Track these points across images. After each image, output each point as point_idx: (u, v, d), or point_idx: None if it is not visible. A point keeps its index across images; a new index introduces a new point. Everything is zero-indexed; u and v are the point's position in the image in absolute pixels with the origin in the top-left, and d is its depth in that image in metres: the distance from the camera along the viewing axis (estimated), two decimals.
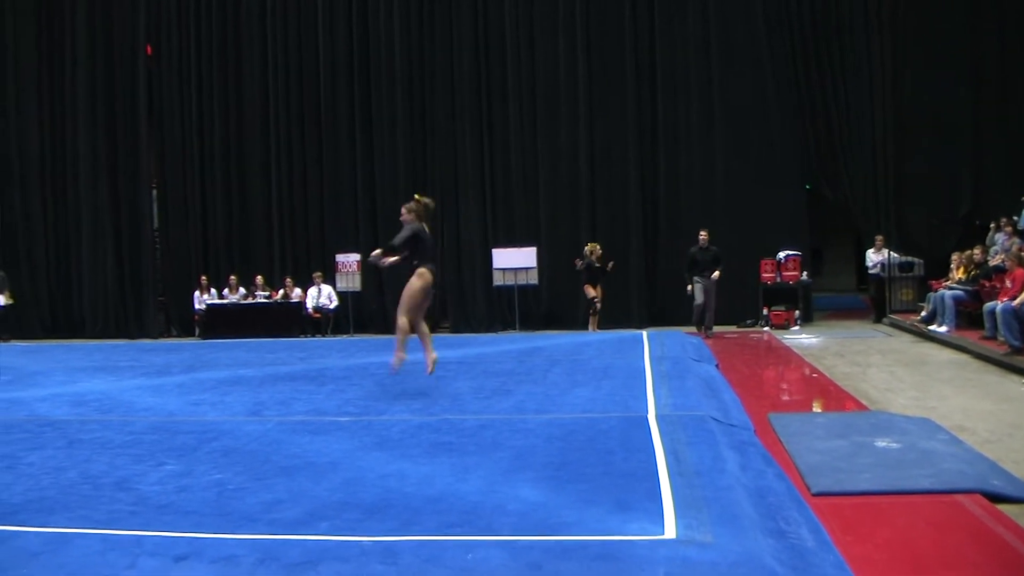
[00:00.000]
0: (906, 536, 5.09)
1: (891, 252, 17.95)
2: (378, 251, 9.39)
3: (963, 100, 18.03)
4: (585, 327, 18.10)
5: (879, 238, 18.16)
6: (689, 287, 16.56)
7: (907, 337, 15.35)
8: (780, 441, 7.25)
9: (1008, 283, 12.20)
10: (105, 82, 20.84)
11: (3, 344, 18.17)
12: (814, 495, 5.74)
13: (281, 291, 19.58)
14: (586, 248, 17.53)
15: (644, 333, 15.39)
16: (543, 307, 19.37)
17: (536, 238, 19.14)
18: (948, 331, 14.02)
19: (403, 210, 9.32)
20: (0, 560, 4.51)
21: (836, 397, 9.81)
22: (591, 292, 17.37)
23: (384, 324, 19.21)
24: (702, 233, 16.51)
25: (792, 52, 18.52)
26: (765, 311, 17.83)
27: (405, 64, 19.89)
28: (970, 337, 13.07)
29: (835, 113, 18.50)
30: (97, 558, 4.46)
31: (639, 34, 19.15)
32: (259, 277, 19.72)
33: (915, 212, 18.41)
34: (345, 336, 18.92)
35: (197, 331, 19.90)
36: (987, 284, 13.86)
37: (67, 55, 20.98)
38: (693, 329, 16.45)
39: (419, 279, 9.15)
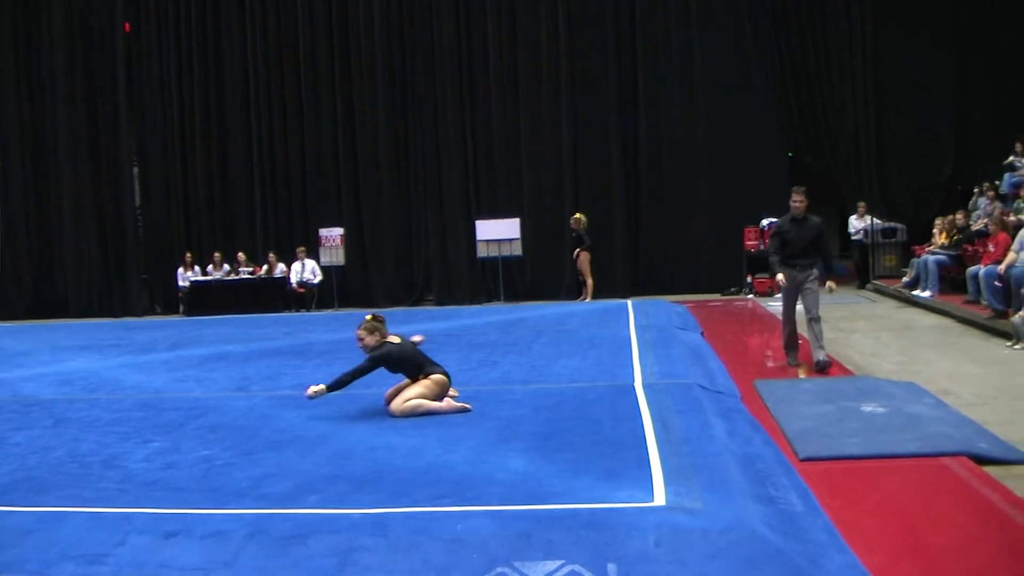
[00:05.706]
0: (893, 499, 5.13)
1: (874, 218, 17.98)
2: (321, 387, 6.99)
3: (945, 65, 17.98)
4: (568, 298, 18.19)
5: (862, 205, 18.21)
6: (774, 281, 10.55)
7: (891, 302, 15.42)
8: (767, 407, 7.29)
9: (991, 247, 12.26)
10: (84, 60, 20.57)
11: None
12: (802, 460, 5.78)
13: (265, 267, 19.50)
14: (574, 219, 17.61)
15: (629, 302, 15.41)
16: (527, 278, 19.33)
17: (519, 209, 19.07)
18: (932, 296, 14.08)
19: (360, 335, 7.29)
20: None
21: None
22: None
23: (368, 299, 19.17)
24: (795, 196, 9.36)
25: (773, 18, 18.44)
26: (749, 279, 17.84)
27: (385, 37, 19.70)
28: (953, 301, 13.15)
29: (816, 80, 18.44)
30: (87, 536, 4.46)
31: (619, 2, 19.02)
32: (241, 253, 19.61)
33: (897, 178, 18.41)
34: (330, 310, 18.86)
35: (181, 308, 19.79)
36: (970, 248, 13.91)
37: (44, 33, 20.68)
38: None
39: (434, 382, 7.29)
